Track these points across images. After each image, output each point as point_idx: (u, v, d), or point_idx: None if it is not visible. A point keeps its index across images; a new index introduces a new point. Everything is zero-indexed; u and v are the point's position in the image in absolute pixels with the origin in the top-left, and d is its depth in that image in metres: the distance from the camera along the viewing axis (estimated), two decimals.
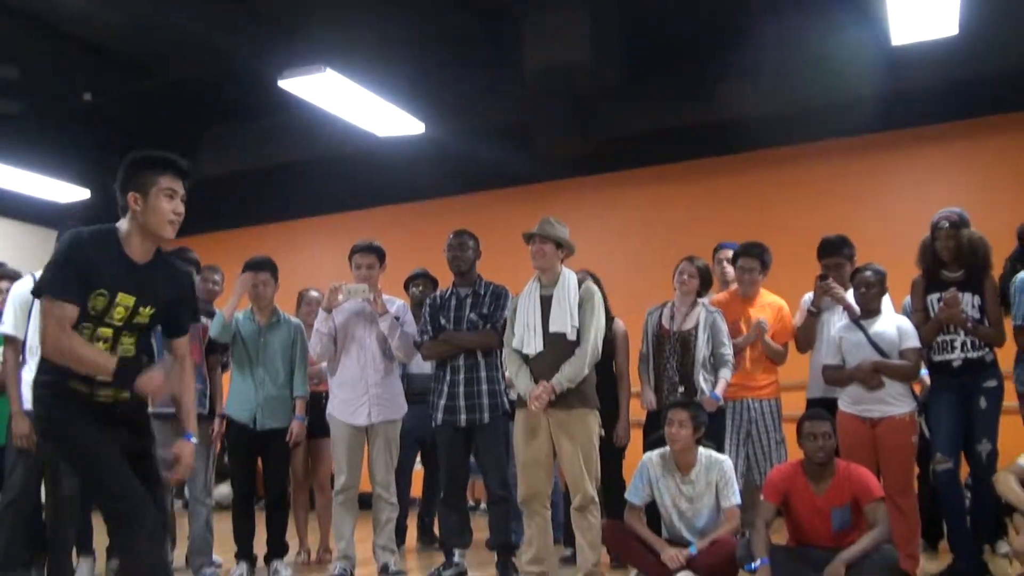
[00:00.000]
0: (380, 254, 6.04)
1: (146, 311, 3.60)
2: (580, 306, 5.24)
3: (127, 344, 3.60)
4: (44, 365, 3.56)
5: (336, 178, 10.94)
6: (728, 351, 5.96)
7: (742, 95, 8.58)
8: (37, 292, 3.49)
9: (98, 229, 3.57)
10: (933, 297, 5.51)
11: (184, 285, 3.84)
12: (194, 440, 3.88)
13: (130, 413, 3.66)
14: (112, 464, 3.50)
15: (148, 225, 3.56)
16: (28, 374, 5.33)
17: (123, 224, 3.59)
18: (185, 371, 3.92)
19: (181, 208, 3.61)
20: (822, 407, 5.59)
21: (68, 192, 10.23)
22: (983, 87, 8.18)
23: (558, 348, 5.19)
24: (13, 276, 6.06)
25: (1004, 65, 7.82)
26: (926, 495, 6.03)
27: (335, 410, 5.98)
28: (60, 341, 3.40)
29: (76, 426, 3.51)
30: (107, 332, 3.52)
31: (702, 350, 5.94)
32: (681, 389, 5.91)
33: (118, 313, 3.52)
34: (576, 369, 5.15)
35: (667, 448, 5.57)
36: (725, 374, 5.93)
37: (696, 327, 5.99)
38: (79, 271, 3.44)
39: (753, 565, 4.96)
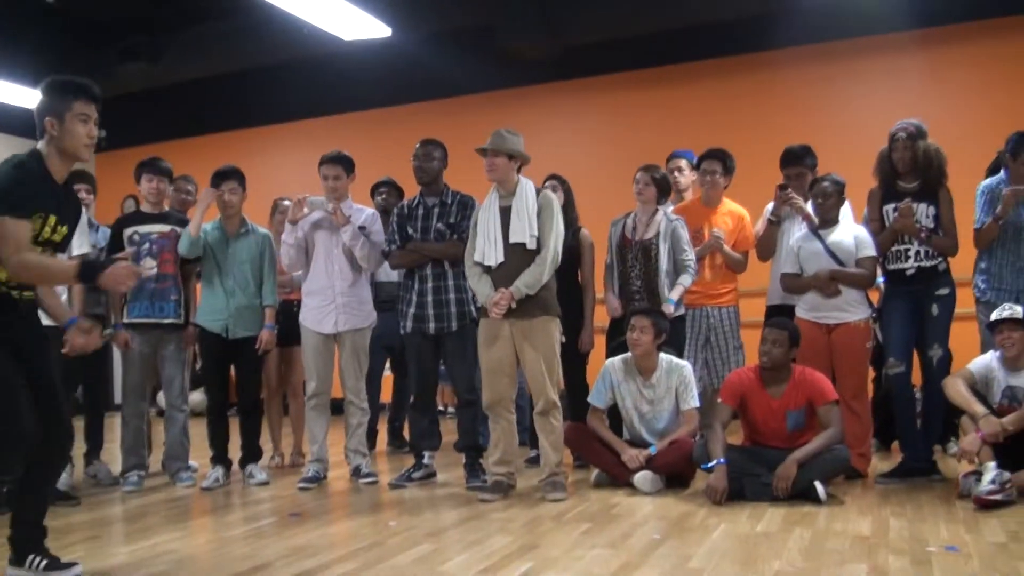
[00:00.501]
0: (348, 164, 6.09)
1: (62, 230, 3.76)
2: (539, 215, 5.33)
3: None
4: None
5: (303, 84, 10.89)
6: (689, 256, 6.06)
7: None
8: None
9: (27, 155, 3.68)
10: (889, 207, 5.61)
11: (79, 208, 4.00)
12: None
13: (32, 311, 3.81)
14: (7, 387, 3.58)
15: (66, 148, 3.70)
16: None
17: (42, 148, 3.72)
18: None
19: (95, 132, 3.77)
20: (781, 314, 5.77)
21: (31, 97, 10.09)
22: None
23: (518, 258, 5.29)
24: None
25: None
26: (880, 398, 6.23)
27: (305, 318, 6.09)
28: (24, 258, 3.51)
29: None
30: (38, 251, 3.65)
31: (664, 259, 6.05)
32: (638, 298, 6.04)
33: (45, 233, 3.66)
34: (535, 276, 5.26)
35: (629, 353, 5.74)
36: (684, 280, 6.04)
37: (657, 236, 6.09)
38: (24, 196, 3.56)
39: (709, 464, 5.16)
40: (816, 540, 4.17)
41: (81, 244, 5.88)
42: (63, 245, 3.87)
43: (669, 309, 5.98)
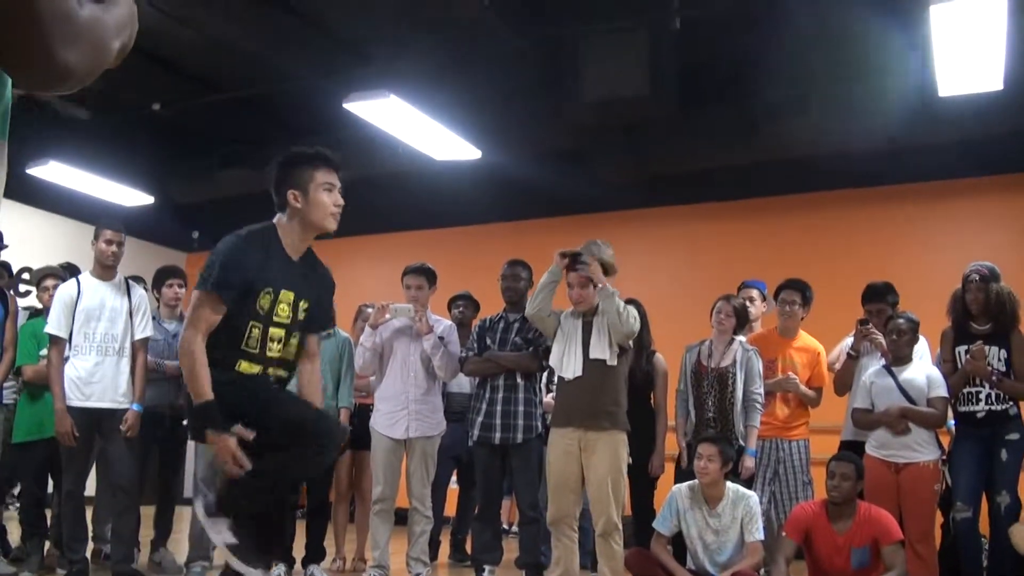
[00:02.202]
0: (431, 276, 6.29)
1: (303, 306, 3.63)
2: None
3: (292, 345, 3.63)
4: (213, 348, 3.54)
5: (393, 198, 11.19)
6: (759, 391, 6.08)
7: (793, 135, 8.68)
8: (197, 286, 3.51)
9: (258, 228, 3.62)
10: (961, 349, 5.63)
11: (328, 283, 3.89)
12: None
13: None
14: (280, 403, 3.57)
15: (311, 220, 3.62)
16: (71, 371, 5.70)
17: (280, 221, 3.63)
18: (315, 372, 3.96)
19: (341, 200, 3.67)
20: (852, 450, 5.74)
21: (133, 197, 10.57)
22: None
23: (598, 373, 5.37)
24: (60, 276, 6.40)
25: None
26: (948, 544, 6.12)
27: (376, 423, 6.21)
28: (195, 343, 3.40)
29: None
30: (279, 332, 3.53)
31: (739, 388, 6.08)
32: (712, 425, 6.05)
33: (282, 311, 3.55)
34: (612, 299, 5.33)
35: (696, 481, 5.73)
36: (755, 421, 6.04)
37: (734, 364, 6.13)
38: (242, 271, 3.47)
39: None
40: None
41: (144, 328, 5.99)
42: (313, 323, 3.75)
43: (750, 463, 5.99)
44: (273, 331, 3.50)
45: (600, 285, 5.40)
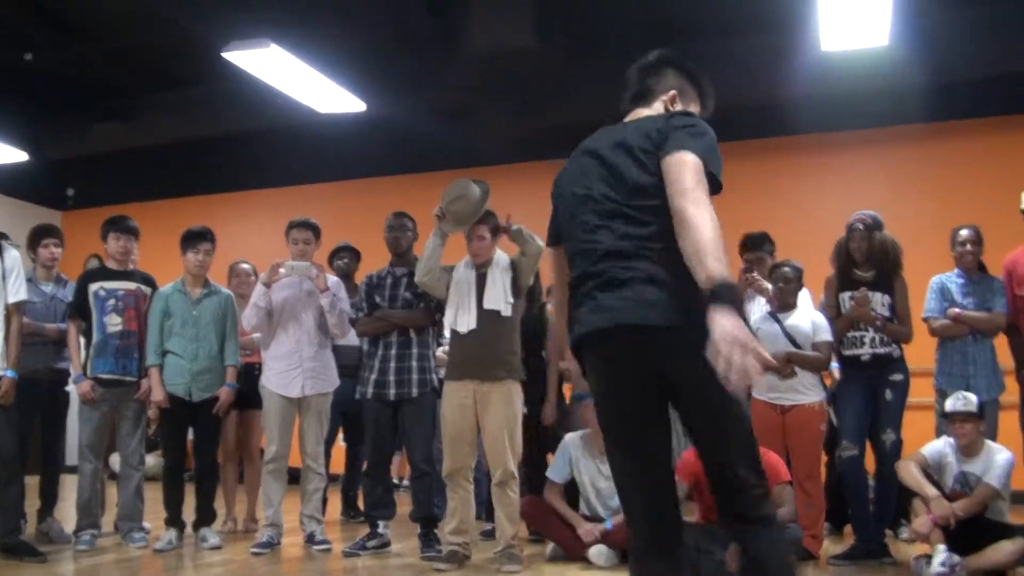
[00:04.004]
0: (316, 231, 6.19)
1: None
2: (513, 272, 5.49)
3: None
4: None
5: (275, 152, 10.98)
6: None
7: None
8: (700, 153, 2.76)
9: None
10: (845, 295, 5.78)
11: None
12: None
13: None
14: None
15: None
16: None
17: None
18: None
19: None
20: None
21: (5, 153, 10.14)
22: (909, 96, 8.45)
23: (492, 325, 5.37)
24: None
25: (930, 77, 8.09)
26: (833, 482, 6.31)
27: (268, 382, 6.10)
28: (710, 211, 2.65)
29: None
30: None
31: None
32: None
33: None
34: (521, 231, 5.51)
35: (588, 430, 5.79)
36: None
37: None
38: None
39: None
40: None
41: (18, 291, 5.68)
42: None
43: None
44: None
45: (512, 227, 5.49)
